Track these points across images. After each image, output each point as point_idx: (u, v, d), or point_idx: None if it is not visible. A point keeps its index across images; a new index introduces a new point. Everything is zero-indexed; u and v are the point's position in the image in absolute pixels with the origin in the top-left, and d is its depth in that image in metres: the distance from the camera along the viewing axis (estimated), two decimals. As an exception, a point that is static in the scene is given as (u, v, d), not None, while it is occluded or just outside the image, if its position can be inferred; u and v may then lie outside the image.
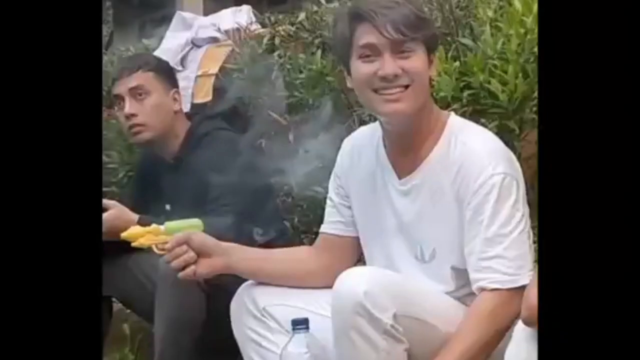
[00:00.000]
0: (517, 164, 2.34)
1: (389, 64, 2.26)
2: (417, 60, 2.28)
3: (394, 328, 2.17)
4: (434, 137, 2.34)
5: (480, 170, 2.26)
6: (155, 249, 2.47)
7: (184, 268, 2.41)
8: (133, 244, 2.48)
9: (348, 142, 2.54)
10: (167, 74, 3.29)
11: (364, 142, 2.48)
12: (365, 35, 2.28)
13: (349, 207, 2.50)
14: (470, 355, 2.19)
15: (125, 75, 3.20)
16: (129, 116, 3.16)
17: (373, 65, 2.28)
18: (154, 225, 2.50)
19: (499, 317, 2.19)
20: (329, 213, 2.55)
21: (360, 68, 2.30)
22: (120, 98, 3.21)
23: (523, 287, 2.09)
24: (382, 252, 2.43)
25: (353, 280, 2.18)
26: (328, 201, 2.56)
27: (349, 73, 2.35)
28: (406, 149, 2.36)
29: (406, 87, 2.27)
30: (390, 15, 2.26)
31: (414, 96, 2.28)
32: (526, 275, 2.21)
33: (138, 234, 2.48)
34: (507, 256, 2.23)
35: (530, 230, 2.28)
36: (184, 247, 2.40)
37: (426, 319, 2.23)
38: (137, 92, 3.18)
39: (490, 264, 2.23)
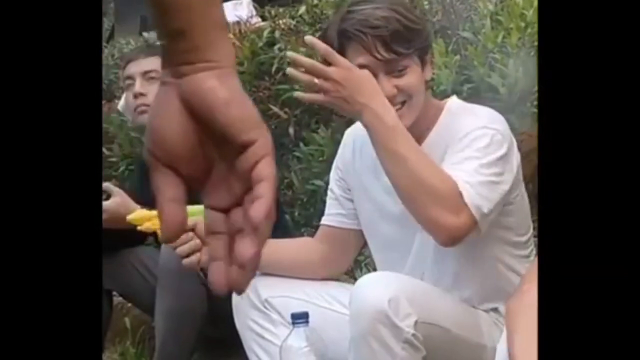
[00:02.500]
0: (515, 141, 2.29)
1: (384, 85, 2.21)
2: (412, 76, 2.24)
3: (414, 337, 2.12)
4: (430, 122, 2.31)
5: (474, 123, 2.22)
6: (160, 234, 2.46)
7: (188, 255, 2.41)
8: (139, 228, 2.46)
9: (350, 135, 2.53)
10: None
11: (365, 134, 2.48)
12: (357, 57, 2.22)
13: (351, 200, 2.49)
14: None
15: (140, 58, 3.18)
16: (138, 95, 3.13)
17: None
18: None
19: None
20: (330, 205, 2.54)
21: None
22: (131, 78, 3.19)
23: None
24: (387, 241, 2.42)
25: (377, 287, 2.13)
26: (329, 193, 2.55)
27: None
28: None
29: (402, 103, 2.25)
30: (380, 34, 2.20)
31: (410, 112, 2.25)
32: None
33: (144, 217, 2.46)
34: (472, 182, 2.15)
35: (503, 192, 2.20)
36: (190, 234, 2.38)
37: (445, 325, 2.20)
38: (149, 75, 3.14)
39: (461, 167, 2.16)
